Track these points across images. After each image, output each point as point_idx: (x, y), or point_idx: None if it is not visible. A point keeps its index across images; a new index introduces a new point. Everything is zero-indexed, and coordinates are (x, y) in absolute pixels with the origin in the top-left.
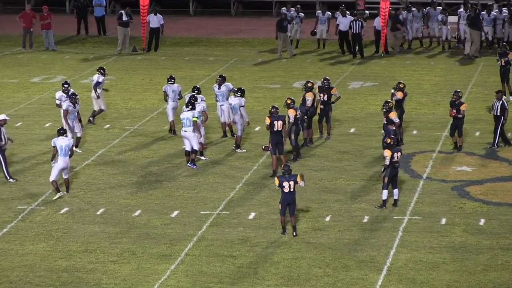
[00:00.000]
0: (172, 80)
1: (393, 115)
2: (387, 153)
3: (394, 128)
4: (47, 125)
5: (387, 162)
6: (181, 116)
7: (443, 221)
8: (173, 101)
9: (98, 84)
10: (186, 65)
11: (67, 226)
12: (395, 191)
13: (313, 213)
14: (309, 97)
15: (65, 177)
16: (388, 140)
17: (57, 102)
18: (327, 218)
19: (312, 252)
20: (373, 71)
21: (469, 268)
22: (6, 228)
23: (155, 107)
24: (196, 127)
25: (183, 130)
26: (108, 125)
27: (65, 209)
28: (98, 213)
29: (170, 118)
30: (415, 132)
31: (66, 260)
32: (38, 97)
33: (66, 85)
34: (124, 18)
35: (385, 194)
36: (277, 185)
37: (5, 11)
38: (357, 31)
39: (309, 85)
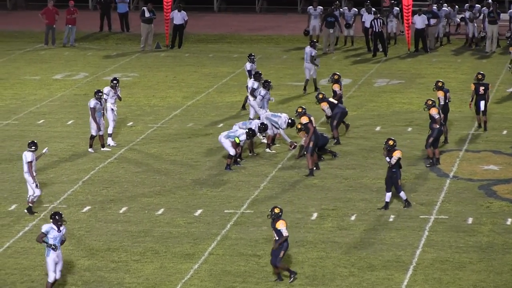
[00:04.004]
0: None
1: (433, 111)
2: (400, 153)
3: (437, 126)
4: (69, 122)
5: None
6: (235, 126)
7: (470, 220)
8: (307, 62)
9: (249, 72)
10: (210, 62)
11: (89, 224)
12: (388, 194)
13: (338, 212)
14: (336, 88)
15: (58, 276)
16: (391, 142)
17: (105, 97)
18: (353, 217)
19: (337, 252)
20: (399, 69)
21: (496, 268)
22: (28, 226)
23: (179, 104)
24: (233, 145)
25: (222, 136)
26: (131, 123)
27: (88, 207)
28: (121, 211)
29: (307, 76)
30: None
31: (88, 259)
32: (60, 94)
33: (115, 81)
34: (147, 14)
35: (403, 195)
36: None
37: (27, 7)
38: (378, 30)
39: (335, 77)
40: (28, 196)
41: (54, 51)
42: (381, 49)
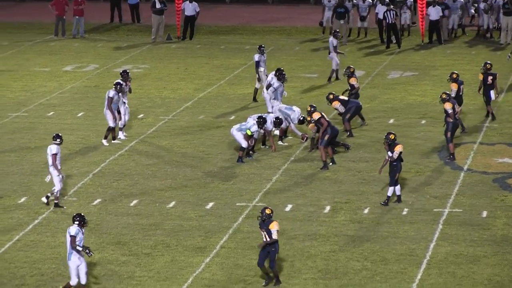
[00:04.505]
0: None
1: (447, 106)
2: (401, 147)
3: (451, 120)
4: (79, 114)
5: (396, 155)
6: (249, 118)
7: (484, 213)
8: (331, 52)
9: (257, 63)
10: (222, 54)
11: (99, 217)
12: (397, 188)
13: (351, 205)
14: (353, 82)
15: (84, 280)
16: (392, 136)
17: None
18: (366, 211)
19: (350, 245)
20: (412, 61)
21: (511, 261)
22: (37, 219)
23: (190, 96)
24: (245, 137)
25: (234, 128)
26: (142, 115)
27: (98, 200)
28: (132, 204)
29: (333, 66)
30: None
31: (98, 253)
32: (70, 86)
33: (125, 74)
34: (158, 5)
35: (390, 191)
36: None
37: None
38: (392, 21)
39: (351, 70)
40: (56, 191)
41: (64, 42)
42: (394, 41)
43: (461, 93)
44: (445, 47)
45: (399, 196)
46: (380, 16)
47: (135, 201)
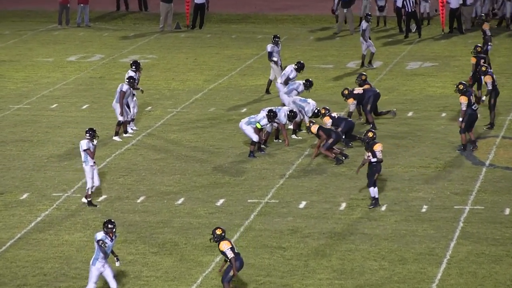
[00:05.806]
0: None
1: (462, 100)
2: (381, 146)
3: (463, 115)
4: (84, 107)
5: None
6: (262, 111)
7: (507, 211)
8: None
9: (270, 54)
10: (233, 44)
11: (105, 214)
12: (374, 190)
13: (368, 202)
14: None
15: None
16: (370, 134)
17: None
18: (383, 208)
19: (366, 244)
20: (432, 51)
21: None
22: (40, 216)
23: (199, 88)
24: (255, 131)
25: (243, 122)
26: (149, 107)
27: (103, 196)
28: (139, 201)
29: (372, 50)
30: None
31: None
32: (74, 77)
33: (137, 65)
34: None
35: (374, 191)
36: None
37: None
38: (411, 10)
39: (363, 78)
40: (87, 188)
41: (68, 31)
42: (413, 30)
43: (496, 84)
44: (466, 37)
45: (376, 199)
46: (399, 4)
47: (142, 198)
